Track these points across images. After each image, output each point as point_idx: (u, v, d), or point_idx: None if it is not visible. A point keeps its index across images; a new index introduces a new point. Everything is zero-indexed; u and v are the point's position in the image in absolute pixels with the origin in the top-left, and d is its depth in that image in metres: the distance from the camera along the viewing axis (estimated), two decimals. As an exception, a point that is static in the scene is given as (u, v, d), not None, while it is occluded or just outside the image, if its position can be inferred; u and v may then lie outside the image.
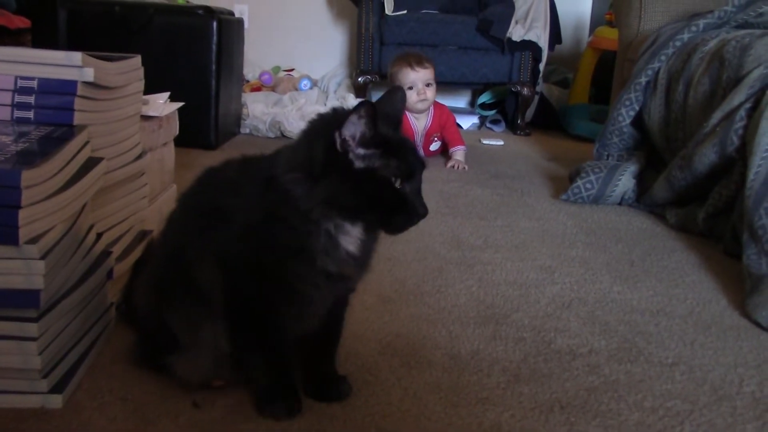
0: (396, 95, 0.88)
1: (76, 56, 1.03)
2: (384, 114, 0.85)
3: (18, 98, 1.04)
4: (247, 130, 3.12)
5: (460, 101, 4.40)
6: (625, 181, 2.16)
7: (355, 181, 0.82)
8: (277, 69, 4.22)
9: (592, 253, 1.69)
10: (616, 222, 2.00)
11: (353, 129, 0.80)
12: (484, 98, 4.10)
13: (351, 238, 0.87)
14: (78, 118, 1.05)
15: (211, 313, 0.86)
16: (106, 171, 1.11)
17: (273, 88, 3.93)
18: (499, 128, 3.82)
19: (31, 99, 1.04)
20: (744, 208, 1.58)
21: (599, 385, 1.05)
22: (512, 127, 3.76)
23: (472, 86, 4.19)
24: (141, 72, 1.29)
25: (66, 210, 0.93)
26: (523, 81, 3.61)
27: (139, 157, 1.30)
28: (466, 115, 3.93)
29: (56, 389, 0.89)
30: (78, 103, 1.05)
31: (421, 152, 2.75)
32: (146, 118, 1.44)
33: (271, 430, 0.88)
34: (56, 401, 0.88)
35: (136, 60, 1.25)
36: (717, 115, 1.79)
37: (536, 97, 3.77)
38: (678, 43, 2.16)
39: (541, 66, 3.65)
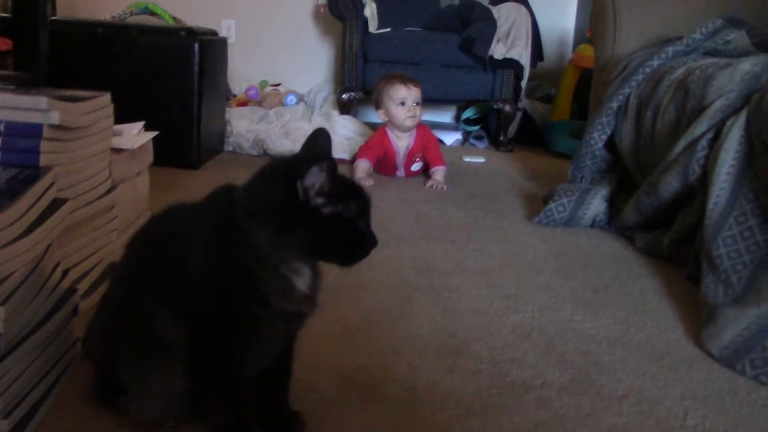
0: (320, 136, 0.92)
1: (42, 101, 1.07)
2: (320, 153, 0.89)
3: (-15, 140, 1.07)
4: (231, 148, 3.16)
5: (445, 116, 4.45)
6: (596, 204, 2.21)
7: (319, 225, 0.87)
8: (264, 84, 4.26)
9: (558, 279, 1.73)
10: (585, 246, 2.04)
11: (314, 179, 0.85)
12: (468, 113, 4.15)
13: (304, 278, 0.91)
14: (44, 160, 1.08)
15: (161, 359, 0.90)
16: (73, 209, 1.14)
17: (259, 103, 3.97)
18: (482, 144, 3.87)
19: (-2, 142, 1.07)
20: (703, 237, 1.62)
21: (548, 419, 1.09)
22: (495, 143, 3.81)
23: (455, 103, 4.23)
24: (110, 109, 1.32)
25: (29, 253, 0.96)
26: (505, 98, 3.66)
27: (109, 191, 1.34)
28: (450, 131, 3.98)
29: (18, 428, 0.92)
30: (44, 145, 1.08)
31: (402, 172, 2.82)
32: (119, 149, 1.47)
33: (224, 468, 0.91)
34: (16, 441, 0.91)
35: (105, 98, 1.29)
36: (681, 144, 1.83)
37: (519, 114, 3.81)
38: (648, 70, 2.20)
39: (523, 83, 3.70)
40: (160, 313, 0.88)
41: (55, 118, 1.08)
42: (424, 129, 2.91)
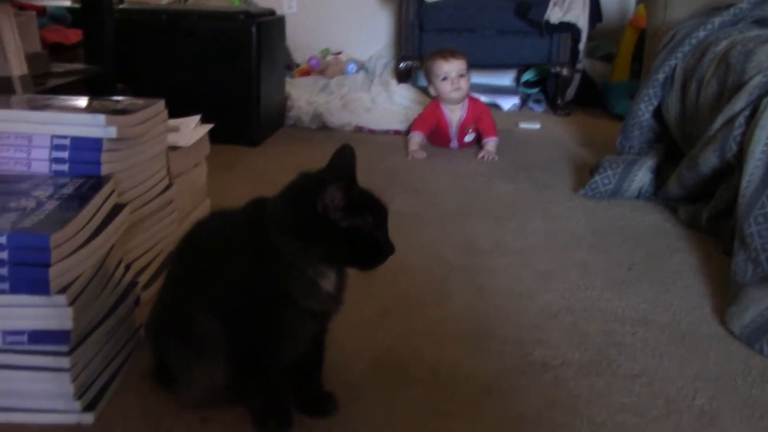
0: (345, 152, 1.00)
1: (100, 118, 1.20)
2: (341, 170, 0.99)
3: (54, 154, 1.22)
4: (291, 122, 3.28)
5: (505, 79, 4.45)
6: (641, 176, 2.24)
7: (338, 237, 0.98)
8: (326, 52, 4.36)
9: (594, 256, 1.79)
10: (628, 218, 2.09)
11: (332, 197, 0.96)
12: (527, 76, 4.16)
13: (329, 280, 1.03)
14: (105, 169, 1.22)
15: (203, 353, 1.03)
16: (132, 210, 1.28)
17: (321, 72, 4.08)
18: (540, 108, 3.88)
19: (65, 155, 1.22)
20: (737, 215, 1.65)
21: (562, 399, 1.18)
22: (553, 107, 3.81)
23: (512, 68, 4.24)
24: (164, 114, 1.45)
25: (93, 257, 1.11)
26: (562, 62, 3.66)
27: (167, 188, 1.48)
28: (508, 95, 3.99)
29: (89, 408, 1.08)
30: (104, 156, 1.22)
31: (456, 143, 2.89)
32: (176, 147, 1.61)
33: (264, 443, 1.04)
34: (89, 419, 1.07)
35: (159, 105, 1.41)
36: (720, 120, 1.85)
37: (577, 77, 3.80)
38: (694, 41, 2.20)
39: (581, 46, 3.68)
40: (201, 313, 1.02)
41: (112, 132, 1.21)
42: (475, 101, 2.97)
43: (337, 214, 0.97)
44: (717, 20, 2.19)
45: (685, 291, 1.60)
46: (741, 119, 1.77)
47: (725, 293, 1.56)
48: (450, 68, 2.86)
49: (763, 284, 1.48)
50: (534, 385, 1.22)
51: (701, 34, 2.19)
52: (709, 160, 1.87)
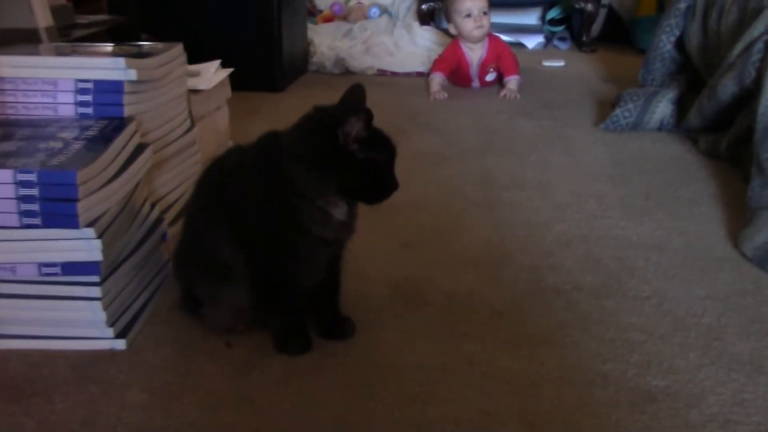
0: (356, 90, 1.04)
1: (120, 61, 1.25)
2: (356, 105, 1.03)
3: (79, 98, 1.27)
4: (315, 68, 3.30)
5: (531, 18, 4.39)
6: (663, 108, 2.23)
7: (353, 168, 1.03)
8: (348, -3, 4.33)
9: (612, 187, 1.81)
10: (649, 150, 2.09)
11: (352, 127, 1.01)
12: (553, 14, 4.11)
13: (340, 209, 1.08)
14: (127, 111, 1.27)
15: (227, 279, 1.09)
16: (156, 151, 1.33)
17: (344, 18, 4.07)
18: (565, 45, 3.85)
19: (89, 98, 1.27)
20: (754, 140, 1.65)
21: (572, 319, 1.22)
22: (579, 44, 3.77)
23: (538, 5, 4.18)
24: (183, 57, 1.49)
25: (119, 193, 1.16)
26: (587, -3, 3.60)
27: (189, 130, 1.53)
28: (533, 34, 3.95)
29: (121, 335, 1.14)
30: (126, 98, 1.27)
31: (477, 83, 2.89)
32: (197, 90, 1.65)
33: (285, 363, 1.10)
34: (121, 344, 1.13)
35: (178, 49, 1.46)
36: (738, 47, 1.83)
37: (603, 12, 3.75)
38: (715, -32, 2.16)
39: (606, -20, 3.62)
40: (222, 241, 1.07)
41: (132, 75, 1.26)
42: (496, 39, 2.95)
43: (355, 145, 1.01)
44: (739, -55, 2.14)
45: (701, 217, 1.62)
46: (760, 44, 1.76)
47: (741, 219, 1.58)
48: (473, 5, 2.85)
49: (777, 208, 1.49)
50: (546, 307, 1.26)
51: (723, -40, 2.16)
52: (728, 87, 1.86)
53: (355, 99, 1.04)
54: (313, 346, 1.13)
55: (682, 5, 2.25)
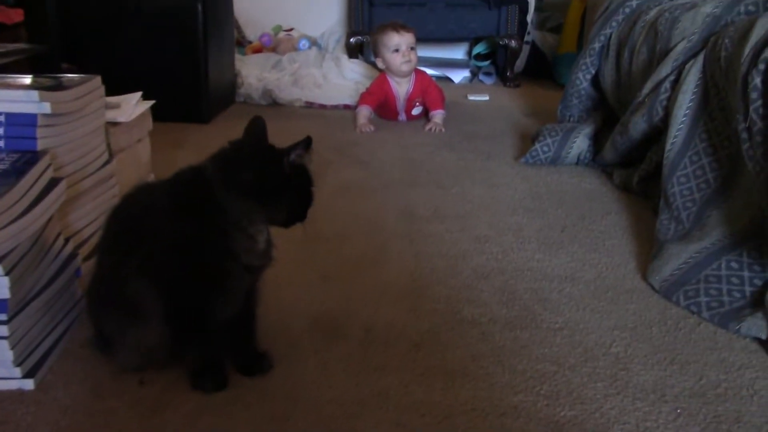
0: (257, 123, 1.10)
1: (34, 94, 1.23)
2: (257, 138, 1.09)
3: (-11, 130, 1.25)
4: (242, 99, 3.30)
5: (457, 52, 4.50)
6: (580, 143, 2.31)
7: (289, 194, 1.09)
8: (277, 28, 4.36)
9: (530, 220, 1.86)
10: (566, 184, 2.16)
11: (299, 157, 1.07)
12: (478, 49, 4.22)
13: (263, 236, 1.11)
14: (41, 144, 1.25)
15: (135, 318, 1.07)
16: (70, 185, 1.31)
17: (273, 49, 4.09)
18: (490, 80, 3.94)
19: (1, 131, 1.24)
20: (662, 176, 1.73)
21: (486, 351, 1.25)
22: (503, 78, 3.88)
23: (462, 41, 4.29)
24: (101, 90, 1.47)
25: (29, 229, 1.14)
26: (510, 34, 3.72)
27: (107, 163, 1.51)
28: (459, 68, 4.05)
29: (30, 374, 1.11)
30: (40, 132, 1.25)
31: (404, 116, 2.94)
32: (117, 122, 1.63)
33: (199, 400, 1.09)
34: (29, 384, 1.10)
35: (95, 81, 1.44)
36: (648, 86, 1.92)
37: (526, 48, 3.87)
38: (627, 10, 2.27)
39: (529, 18, 3.75)
40: (132, 278, 1.06)
41: (46, 108, 1.24)
42: (422, 74, 3.02)
43: (295, 173, 1.07)
44: (649, -11, 2.26)
45: (613, 250, 1.68)
46: (667, 84, 1.84)
47: (650, 251, 1.64)
48: (401, 40, 2.91)
49: (682, 240, 1.56)
50: (462, 339, 1.29)
51: (634, 2, 2.27)
52: (638, 124, 1.95)
53: (257, 131, 1.09)
54: (228, 382, 1.13)
55: (597, 45, 2.35)
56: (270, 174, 1.06)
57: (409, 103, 2.97)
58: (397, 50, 2.90)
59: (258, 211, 1.07)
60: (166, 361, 1.13)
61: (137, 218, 1.09)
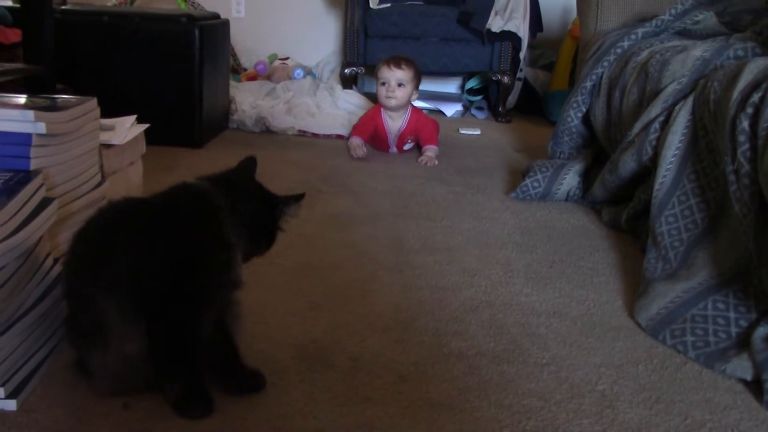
0: (249, 162, 1.23)
1: (30, 114, 1.23)
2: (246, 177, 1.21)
3: (-17, 149, 1.25)
4: (235, 125, 3.31)
5: (450, 86, 4.55)
6: (569, 180, 2.33)
7: (271, 233, 1.23)
8: (273, 57, 4.40)
9: (519, 255, 1.87)
10: (555, 220, 2.18)
11: (295, 211, 1.22)
12: (471, 83, 4.26)
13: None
14: (35, 164, 1.25)
15: (98, 344, 1.06)
16: (62, 205, 1.31)
17: (268, 77, 4.12)
18: (482, 114, 3.98)
19: (-6, 149, 1.25)
20: (650, 215, 1.75)
21: (473, 385, 1.25)
22: (495, 114, 3.92)
23: (455, 75, 4.33)
24: (96, 112, 1.48)
25: (19, 248, 1.14)
26: (503, 70, 3.76)
27: (99, 184, 1.51)
28: (451, 102, 4.09)
29: (12, 395, 1.10)
30: (33, 151, 1.25)
31: (395, 149, 2.96)
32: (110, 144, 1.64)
33: (184, 427, 1.08)
34: (11, 405, 1.09)
35: (91, 103, 1.45)
36: (638, 126, 1.95)
37: (518, 85, 3.92)
38: (618, 51, 2.31)
39: (522, 55, 3.79)
40: (98, 299, 1.05)
41: (41, 128, 1.24)
42: (418, 112, 3.04)
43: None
44: (640, 31, 2.30)
45: (600, 287, 1.69)
46: (656, 125, 1.87)
47: (637, 289, 1.65)
48: (389, 75, 2.93)
49: (669, 279, 1.57)
50: (448, 372, 1.29)
51: (625, 44, 2.30)
52: (627, 163, 1.97)
53: (247, 169, 1.20)
54: (214, 408, 1.12)
55: (588, 83, 2.38)
56: (266, 214, 1.20)
57: (401, 140, 2.99)
58: (384, 84, 2.93)
59: (245, 239, 1.16)
60: (146, 387, 1.12)
61: (110, 236, 1.08)
